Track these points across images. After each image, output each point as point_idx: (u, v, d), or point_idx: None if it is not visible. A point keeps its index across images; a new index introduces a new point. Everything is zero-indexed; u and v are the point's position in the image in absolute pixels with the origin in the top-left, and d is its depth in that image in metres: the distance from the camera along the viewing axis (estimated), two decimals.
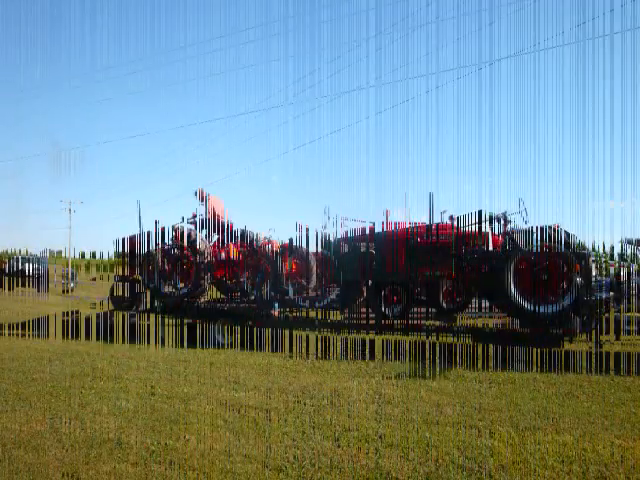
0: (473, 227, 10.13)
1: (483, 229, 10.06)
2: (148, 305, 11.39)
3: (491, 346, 8.92)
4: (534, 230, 8.76)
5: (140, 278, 11.86)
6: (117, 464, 4.17)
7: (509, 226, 9.64)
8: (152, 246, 11.23)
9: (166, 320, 10.84)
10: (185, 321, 10.52)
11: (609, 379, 7.24)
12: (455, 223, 10.08)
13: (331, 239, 9.74)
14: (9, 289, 25.41)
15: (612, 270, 9.88)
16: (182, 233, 11.02)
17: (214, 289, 12.34)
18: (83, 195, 68.00)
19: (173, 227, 11.30)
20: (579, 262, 8.50)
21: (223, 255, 11.58)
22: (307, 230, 9.88)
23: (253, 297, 11.59)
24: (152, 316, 11.09)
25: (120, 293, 12.08)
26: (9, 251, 39.95)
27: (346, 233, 10.30)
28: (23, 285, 25.48)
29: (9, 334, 11.46)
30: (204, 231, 11.57)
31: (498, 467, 4.15)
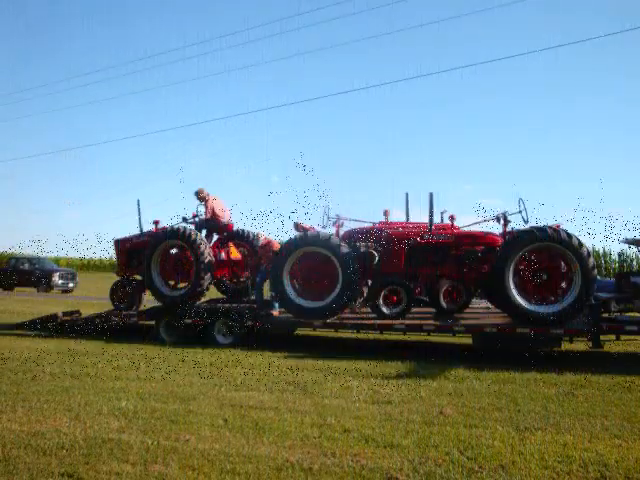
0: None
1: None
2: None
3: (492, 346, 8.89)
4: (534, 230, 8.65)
5: (139, 278, 11.68)
6: (117, 464, 4.17)
7: (509, 226, 9.54)
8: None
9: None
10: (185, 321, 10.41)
11: (609, 379, 7.23)
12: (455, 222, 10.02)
13: (332, 239, 9.50)
14: (9, 289, 25.37)
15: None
16: (183, 232, 10.60)
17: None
18: (82, 195, 67.53)
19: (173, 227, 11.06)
20: (579, 262, 8.44)
21: (223, 255, 11.39)
22: (307, 230, 9.75)
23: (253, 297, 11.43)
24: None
25: (120, 293, 11.64)
26: (8, 251, 39.71)
27: (350, 231, 10.14)
28: (23, 285, 25.40)
29: (9, 334, 11.44)
30: (204, 231, 11.32)
31: (498, 467, 4.14)
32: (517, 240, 8.80)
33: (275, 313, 10.13)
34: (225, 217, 11.68)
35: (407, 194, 11.16)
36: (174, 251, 11.24)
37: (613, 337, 8.94)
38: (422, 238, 9.65)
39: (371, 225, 10.53)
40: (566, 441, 4.73)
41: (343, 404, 5.92)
